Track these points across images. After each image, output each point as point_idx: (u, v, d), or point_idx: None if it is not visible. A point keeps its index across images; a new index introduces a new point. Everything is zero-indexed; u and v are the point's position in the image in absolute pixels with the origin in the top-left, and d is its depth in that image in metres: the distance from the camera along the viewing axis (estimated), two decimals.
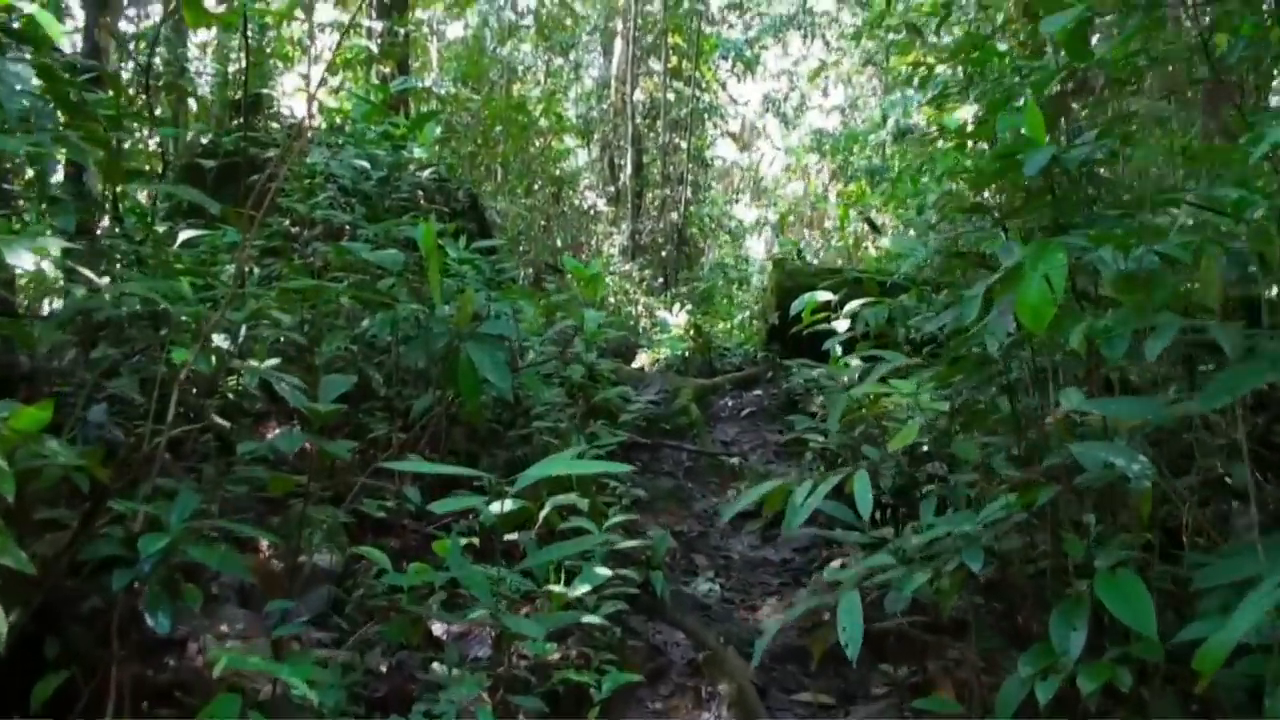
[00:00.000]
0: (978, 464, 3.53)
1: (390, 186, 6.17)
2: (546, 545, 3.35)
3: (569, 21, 22.22)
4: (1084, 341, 2.78)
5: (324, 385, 3.45)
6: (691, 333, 10.42)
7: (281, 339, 4.17)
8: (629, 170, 20.77)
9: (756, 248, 19.66)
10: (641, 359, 13.07)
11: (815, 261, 9.04)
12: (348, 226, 5.76)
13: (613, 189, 21.26)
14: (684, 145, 22.36)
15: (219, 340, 3.72)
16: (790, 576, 5.34)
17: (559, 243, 19.27)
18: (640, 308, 18.92)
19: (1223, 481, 3.33)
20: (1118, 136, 3.23)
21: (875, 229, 11.64)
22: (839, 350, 6.66)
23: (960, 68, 5.41)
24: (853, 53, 25.35)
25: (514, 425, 5.22)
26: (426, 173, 8.74)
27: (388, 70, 12.49)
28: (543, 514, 4.17)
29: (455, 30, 19.69)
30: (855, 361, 6.74)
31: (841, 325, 6.41)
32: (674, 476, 6.79)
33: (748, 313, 11.27)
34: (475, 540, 4.12)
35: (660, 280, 20.18)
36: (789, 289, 8.44)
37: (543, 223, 18.54)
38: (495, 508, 2.89)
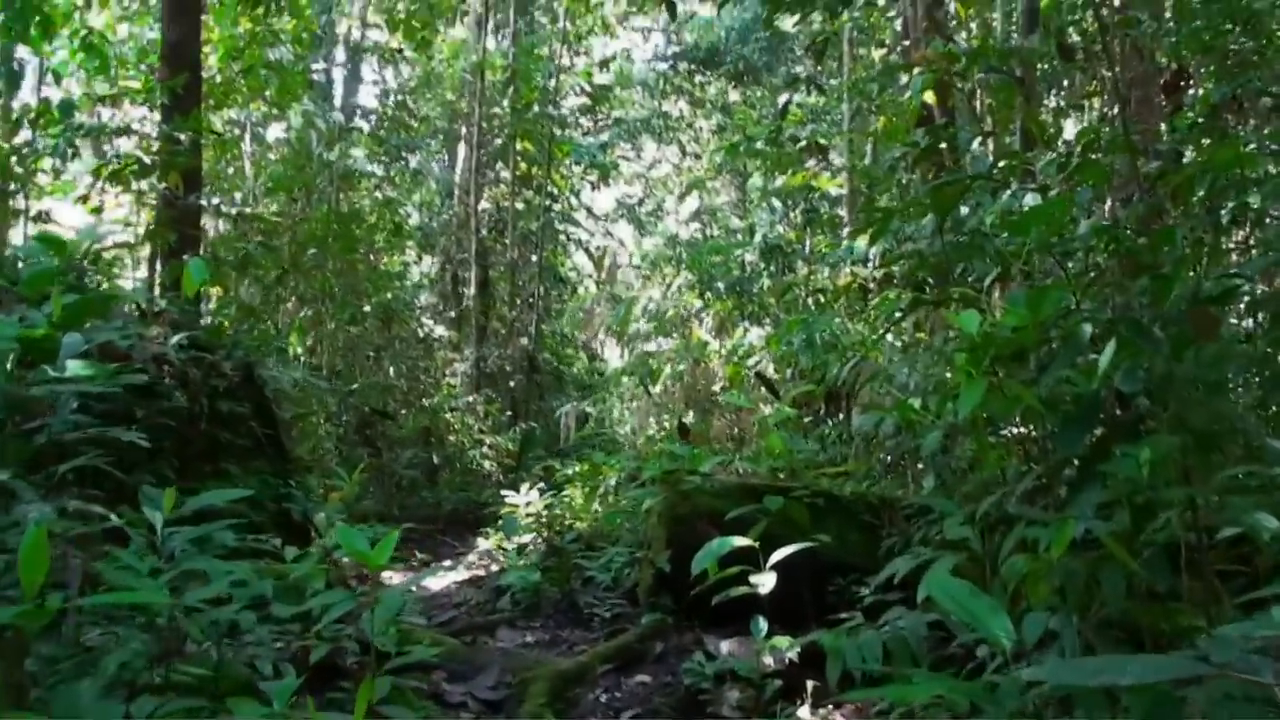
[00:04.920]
0: None
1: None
2: None
3: (413, 122, 20.03)
4: None
5: None
6: (545, 545, 8.11)
7: None
8: (473, 289, 18.51)
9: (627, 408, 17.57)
10: (481, 546, 10.63)
11: (707, 459, 6.81)
12: None
13: (454, 312, 18.94)
14: (534, 259, 20.26)
15: None
16: None
17: (392, 374, 16.77)
18: (486, 449, 16.50)
19: None
20: None
21: (774, 393, 9.69)
22: (763, 626, 4.67)
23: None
24: (710, 159, 23.78)
25: None
26: (174, 341, 6.29)
27: (167, 186, 9.90)
28: None
29: (276, 131, 17.26)
30: (787, 642, 4.76)
31: (766, 583, 4.62)
32: None
33: (612, 503, 8.98)
34: None
35: (509, 414, 17.87)
36: (683, 517, 6.28)
37: (370, 354, 16.03)
38: None
